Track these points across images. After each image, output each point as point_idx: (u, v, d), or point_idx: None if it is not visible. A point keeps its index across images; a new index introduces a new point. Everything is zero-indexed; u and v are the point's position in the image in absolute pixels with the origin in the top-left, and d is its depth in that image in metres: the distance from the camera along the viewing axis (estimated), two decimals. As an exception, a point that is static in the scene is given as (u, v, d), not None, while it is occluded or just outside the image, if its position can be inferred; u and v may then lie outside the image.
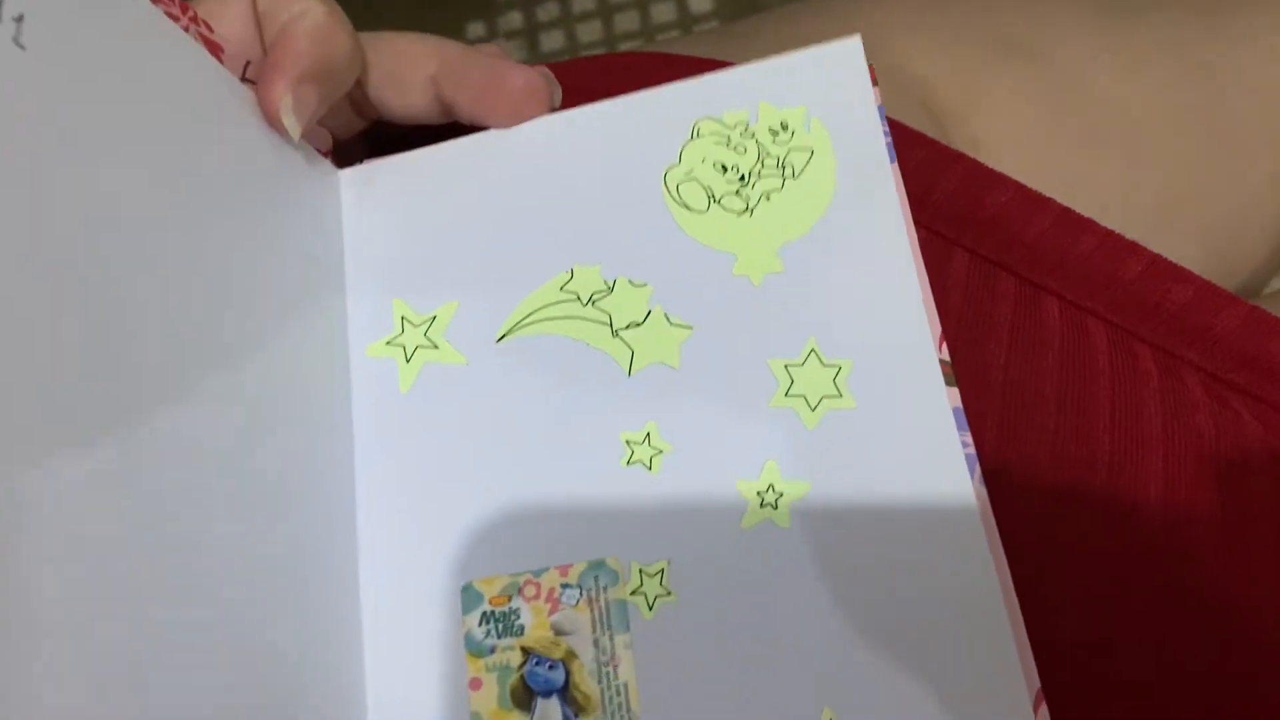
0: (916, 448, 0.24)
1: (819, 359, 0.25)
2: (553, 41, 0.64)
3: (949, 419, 0.24)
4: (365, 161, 0.28)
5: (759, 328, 0.25)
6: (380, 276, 0.27)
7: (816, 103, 0.26)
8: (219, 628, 0.22)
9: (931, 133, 0.33)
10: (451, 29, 0.66)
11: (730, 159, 0.26)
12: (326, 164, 0.28)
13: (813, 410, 0.24)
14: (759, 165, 0.26)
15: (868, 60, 0.26)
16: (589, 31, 0.64)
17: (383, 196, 0.27)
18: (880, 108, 0.26)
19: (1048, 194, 0.30)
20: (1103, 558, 0.26)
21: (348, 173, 0.28)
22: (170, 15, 0.23)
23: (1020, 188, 0.30)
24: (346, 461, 0.26)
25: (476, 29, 0.66)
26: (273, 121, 0.25)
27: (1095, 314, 0.29)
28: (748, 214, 0.26)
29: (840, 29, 0.35)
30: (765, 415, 0.25)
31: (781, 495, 0.24)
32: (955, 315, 0.29)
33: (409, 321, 0.27)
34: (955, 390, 0.24)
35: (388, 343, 0.27)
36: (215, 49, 0.24)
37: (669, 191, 0.26)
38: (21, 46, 0.18)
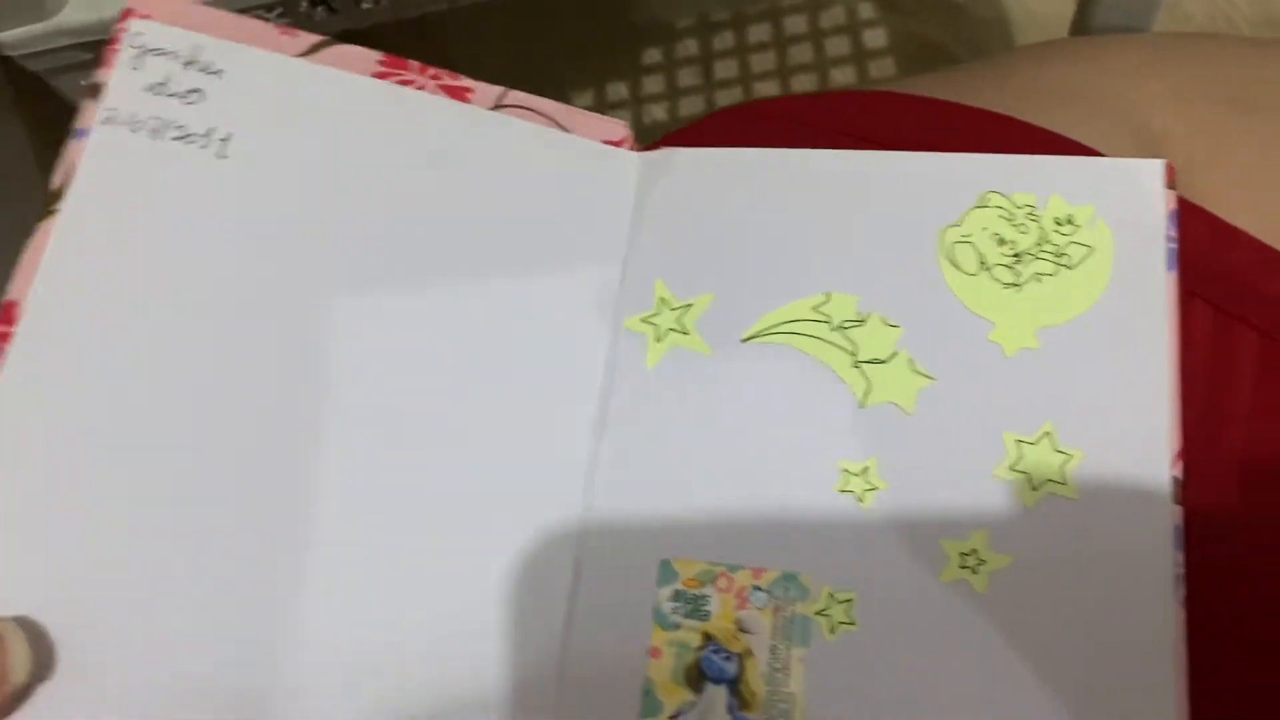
0: (1128, 557, 0.24)
1: (1052, 443, 0.25)
2: (727, 70, 0.68)
3: (1169, 538, 0.24)
4: (669, 148, 0.29)
5: (1000, 397, 0.26)
6: (650, 256, 0.29)
7: (1107, 207, 0.27)
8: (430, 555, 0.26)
9: None
10: (629, 55, 0.68)
11: (1010, 234, 0.27)
12: (620, 149, 0.29)
13: (1034, 490, 0.25)
14: (1036, 248, 0.27)
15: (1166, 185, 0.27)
16: (762, 62, 0.67)
17: (673, 183, 0.29)
18: (1171, 236, 0.26)
19: None
20: None
21: (649, 155, 0.29)
22: (404, 83, 0.29)
23: (1261, 245, 0.31)
24: (583, 418, 0.27)
25: (653, 55, 0.69)
26: None
27: None
28: (1015, 288, 0.27)
29: (1088, 73, 0.37)
30: (986, 482, 0.25)
31: (984, 563, 0.25)
32: (1193, 367, 0.29)
33: (666, 303, 0.28)
34: (1179, 509, 0.24)
35: (643, 319, 0.28)
36: (462, 92, 0.29)
37: (942, 247, 0.27)
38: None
